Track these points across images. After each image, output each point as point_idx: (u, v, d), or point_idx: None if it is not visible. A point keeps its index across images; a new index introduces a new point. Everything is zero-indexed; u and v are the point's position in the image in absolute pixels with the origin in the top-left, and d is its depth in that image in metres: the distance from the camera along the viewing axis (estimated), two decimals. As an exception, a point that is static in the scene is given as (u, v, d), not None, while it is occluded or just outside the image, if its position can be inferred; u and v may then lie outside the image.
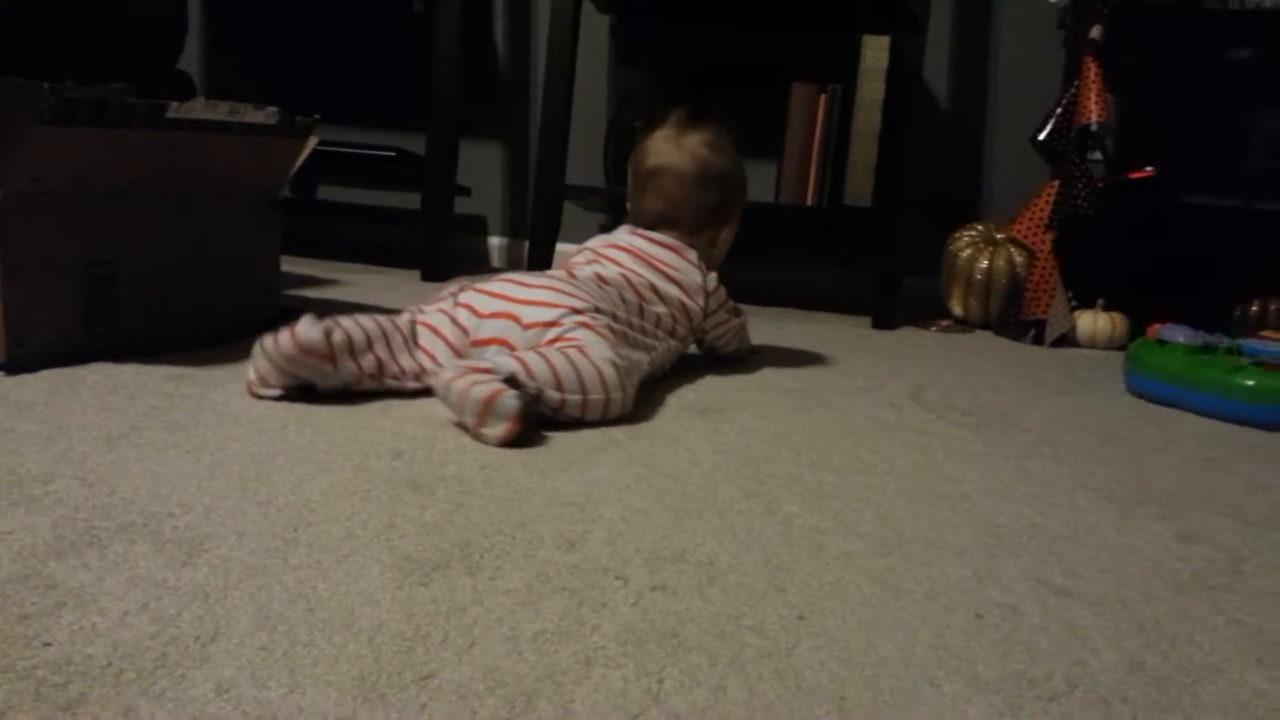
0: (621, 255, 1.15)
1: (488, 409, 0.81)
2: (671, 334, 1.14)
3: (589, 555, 0.60)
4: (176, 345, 1.07)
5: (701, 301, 1.18)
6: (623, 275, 1.12)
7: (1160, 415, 1.18)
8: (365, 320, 0.94)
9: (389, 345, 0.94)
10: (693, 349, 1.25)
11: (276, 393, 0.90)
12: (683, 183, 1.19)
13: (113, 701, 0.40)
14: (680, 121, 1.22)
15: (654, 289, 1.13)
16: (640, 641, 0.49)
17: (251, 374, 0.91)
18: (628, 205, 1.27)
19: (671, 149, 1.20)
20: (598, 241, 1.20)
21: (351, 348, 0.91)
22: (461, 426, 0.85)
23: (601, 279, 1.10)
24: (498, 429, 0.81)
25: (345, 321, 0.91)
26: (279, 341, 0.88)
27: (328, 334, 0.88)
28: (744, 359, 1.34)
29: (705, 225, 1.22)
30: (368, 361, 0.92)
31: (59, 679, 0.42)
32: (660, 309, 1.12)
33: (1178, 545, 0.71)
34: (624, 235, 1.20)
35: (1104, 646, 0.53)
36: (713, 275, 1.21)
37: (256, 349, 0.89)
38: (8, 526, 0.57)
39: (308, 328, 0.88)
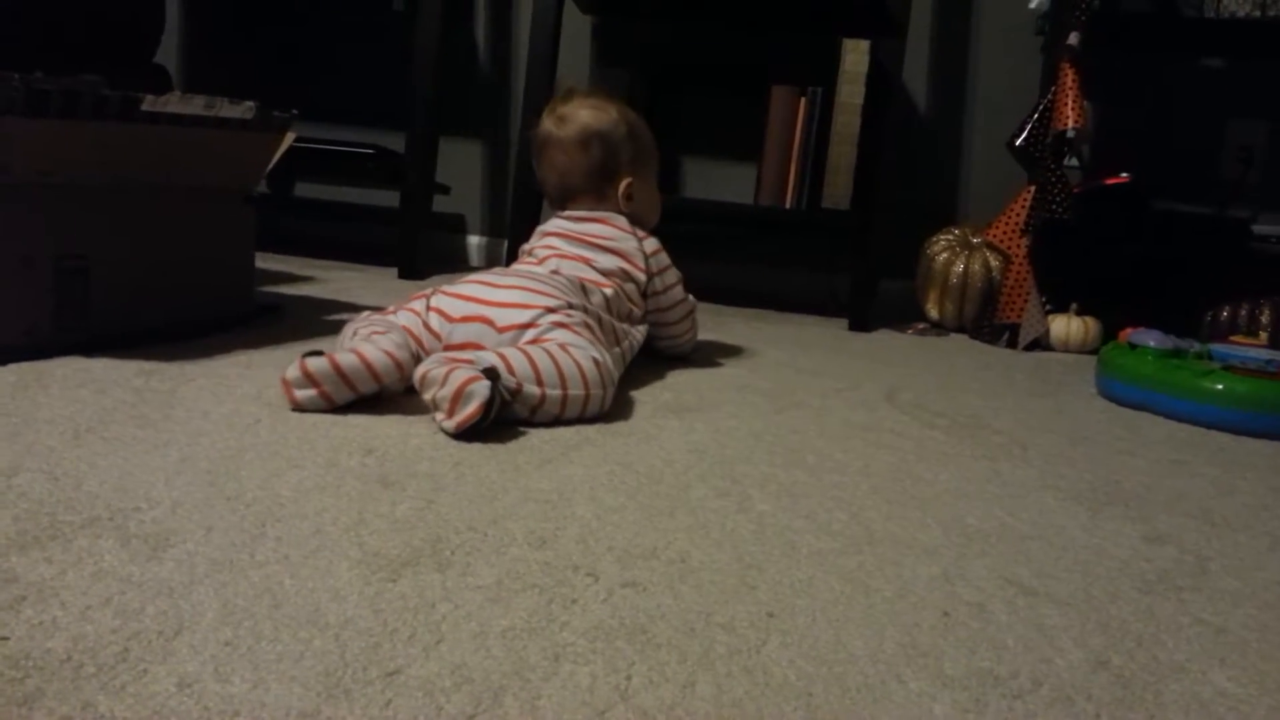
0: (556, 241, 1.18)
1: (461, 394, 0.81)
2: (629, 318, 1.15)
3: (560, 552, 0.60)
4: (149, 340, 1.06)
5: (642, 263, 1.19)
6: (564, 260, 1.13)
7: (1130, 418, 1.19)
8: (398, 334, 0.94)
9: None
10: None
11: (313, 394, 0.86)
12: (564, 149, 1.21)
13: (71, 696, 0.40)
14: (560, 96, 1.25)
15: (591, 266, 1.14)
16: (609, 638, 0.49)
17: (302, 393, 0.86)
18: None
19: (551, 122, 1.23)
20: (535, 235, 1.23)
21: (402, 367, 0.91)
22: (433, 408, 0.84)
23: (553, 271, 1.11)
24: (462, 413, 0.81)
25: (398, 335, 0.93)
26: (370, 359, 0.86)
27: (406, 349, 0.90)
28: (685, 353, 1.32)
29: (599, 184, 1.22)
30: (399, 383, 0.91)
31: (16, 673, 0.41)
32: (607, 287, 1.12)
33: (1145, 546, 0.71)
34: (553, 220, 1.22)
35: (1070, 645, 0.53)
36: (651, 238, 1.23)
37: (321, 368, 0.85)
38: (-31, 520, 0.56)
39: (399, 347, 0.89)
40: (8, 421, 0.75)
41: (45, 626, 0.45)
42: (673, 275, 1.24)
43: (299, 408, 0.85)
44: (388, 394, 0.91)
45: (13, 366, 0.92)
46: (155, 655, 0.43)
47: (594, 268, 1.14)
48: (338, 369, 0.85)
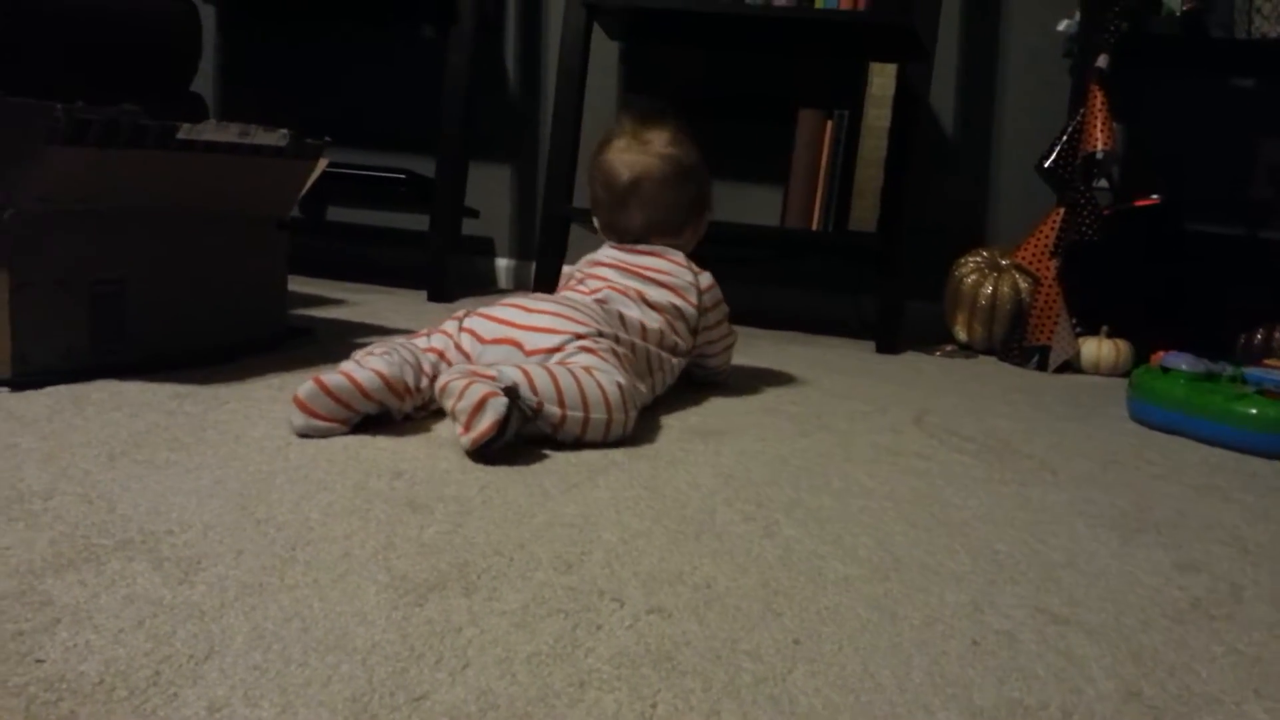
0: (607, 271, 1.16)
1: (479, 409, 0.81)
2: (674, 350, 1.14)
3: (586, 577, 0.60)
4: (183, 363, 1.08)
5: (695, 299, 1.17)
6: (612, 290, 1.12)
7: (1162, 443, 1.18)
8: (406, 353, 0.95)
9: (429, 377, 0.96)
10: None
11: (331, 426, 0.87)
12: (664, 185, 1.19)
13: (103, 719, 0.40)
14: (636, 126, 1.22)
15: (643, 298, 1.13)
16: (635, 665, 0.49)
17: (297, 420, 0.86)
18: (597, 224, 1.26)
19: (640, 156, 1.19)
20: (583, 263, 1.21)
21: (418, 383, 0.93)
22: (452, 419, 0.84)
23: (597, 300, 1.10)
24: (478, 428, 0.81)
25: (406, 354, 0.94)
26: (359, 377, 0.87)
27: (408, 368, 0.92)
28: (722, 381, 1.32)
29: (687, 221, 1.23)
30: (405, 401, 0.92)
31: (50, 696, 0.42)
32: (656, 318, 1.12)
33: (1177, 574, 0.70)
34: (606, 250, 1.20)
35: (1101, 675, 0.53)
36: (706, 274, 1.21)
37: (316, 394, 0.85)
38: (6, 542, 0.57)
39: (393, 365, 0.90)
40: (44, 444, 0.77)
41: (79, 649, 0.46)
42: (722, 310, 1.23)
43: (304, 435, 0.86)
44: (398, 414, 0.91)
45: (50, 389, 0.94)
46: (186, 679, 0.44)
47: (646, 301, 1.13)
48: (325, 389, 0.85)
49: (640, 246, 1.19)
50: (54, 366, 0.97)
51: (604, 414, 0.90)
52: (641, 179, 1.18)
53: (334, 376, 0.86)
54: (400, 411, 0.92)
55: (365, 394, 0.87)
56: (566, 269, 1.23)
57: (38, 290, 0.96)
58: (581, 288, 1.15)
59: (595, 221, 1.27)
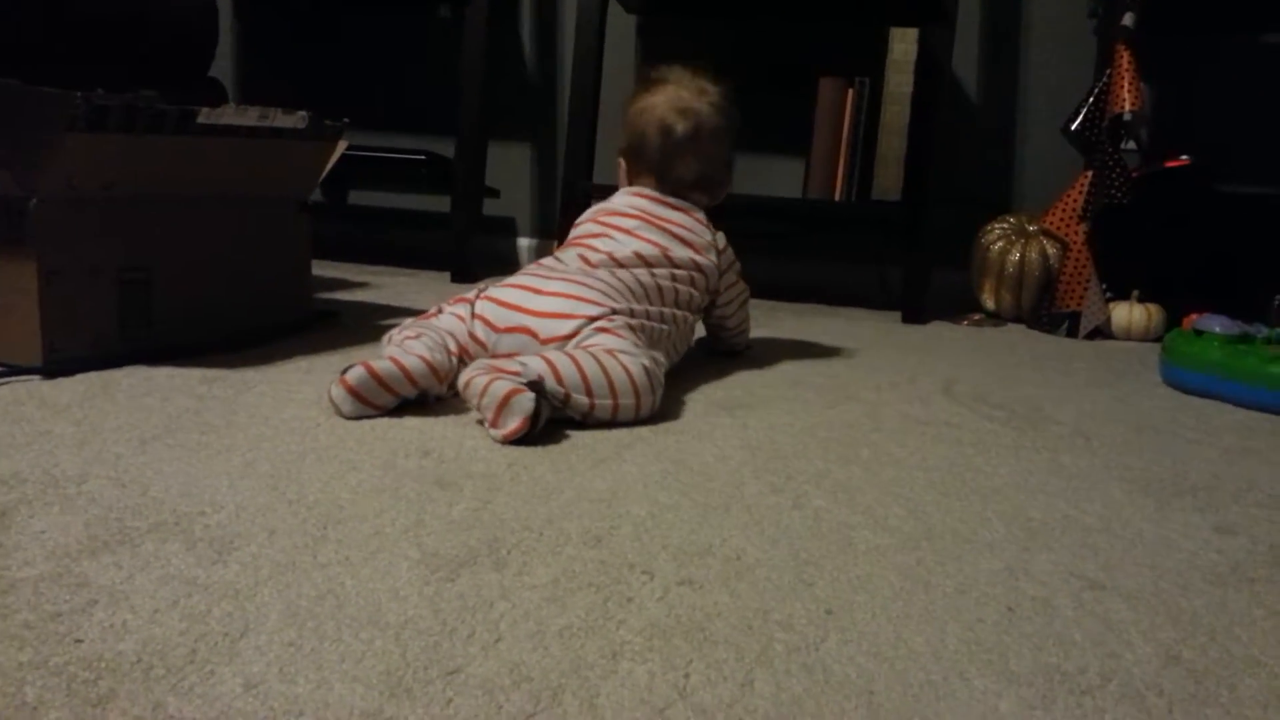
0: (631, 223, 1.13)
1: (504, 406, 0.81)
2: (688, 305, 1.13)
3: (616, 551, 0.60)
4: (210, 348, 1.08)
5: (714, 258, 1.16)
6: (635, 253, 1.09)
7: (1197, 406, 1.16)
8: (435, 336, 0.96)
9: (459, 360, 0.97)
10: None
11: (356, 404, 0.87)
12: (717, 140, 1.17)
13: (142, 697, 0.41)
14: (693, 77, 1.19)
15: (666, 256, 1.11)
16: (667, 636, 0.49)
17: (347, 406, 0.87)
18: (626, 169, 1.21)
19: (700, 106, 1.16)
20: (599, 210, 1.17)
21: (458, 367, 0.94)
22: (480, 421, 0.85)
23: (615, 260, 1.08)
24: (507, 426, 0.81)
25: (435, 336, 0.96)
26: (407, 364, 0.88)
27: (441, 350, 0.93)
28: (743, 348, 1.32)
29: (724, 180, 1.22)
30: (442, 383, 0.93)
31: (89, 675, 0.42)
32: (676, 275, 1.11)
33: (1215, 537, 0.69)
34: (626, 200, 1.17)
35: (1139, 640, 0.52)
36: (720, 233, 1.20)
37: (366, 380, 0.86)
38: (41, 526, 0.58)
39: (434, 350, 0.91)
40: (76, 430, 0.78)
41: (116, 629, 0.46)
42: (736, 269, 1.23)
43: (346, 417, 0.86)
44: (432, 396, 0.92)
45: (80, 376, 0.95)
46: (222, 656, 0.44)
47: (669, 258, 1.11)
48: (376, 376, 0.86)
49: (670, 199, 1.16)
50: (84, 353, 0.98)
51: (632, 399, 0.90)
52: (701, 128, 1.16)
53: (383, 363, 0.87)
54: (435, 393, 0.92)
55: (412, 380, 0.88)
56: (580, 222, 1.19)
57: (67, 279, 0.97)
58: (596, 243, 1.11)
59: (623, 166, 1.21)
